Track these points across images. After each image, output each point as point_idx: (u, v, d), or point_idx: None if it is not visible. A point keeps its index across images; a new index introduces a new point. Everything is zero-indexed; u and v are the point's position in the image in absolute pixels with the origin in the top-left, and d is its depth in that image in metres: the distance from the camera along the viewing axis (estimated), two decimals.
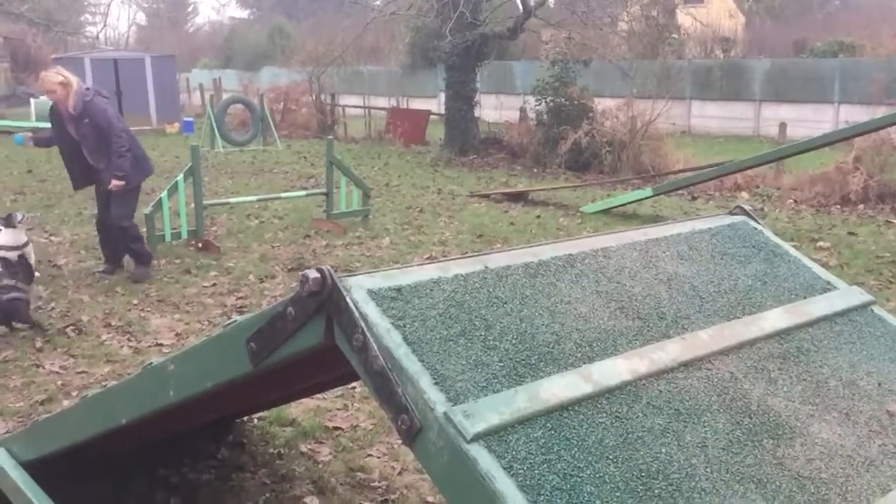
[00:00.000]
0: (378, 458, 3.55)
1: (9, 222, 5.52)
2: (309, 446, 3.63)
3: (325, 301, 1.53)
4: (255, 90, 21.02)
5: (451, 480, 1.36)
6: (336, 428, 3.82)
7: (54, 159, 14.52)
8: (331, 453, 3.58)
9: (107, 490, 3.03)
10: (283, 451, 3.57)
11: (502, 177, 13.01)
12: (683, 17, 24.13)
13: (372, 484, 3.32)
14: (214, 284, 6.32)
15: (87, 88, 6.04)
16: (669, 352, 1.68)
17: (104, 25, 45.37)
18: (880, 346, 1.98)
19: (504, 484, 1.27)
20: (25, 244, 5.53)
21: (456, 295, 1.63)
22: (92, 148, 6.06)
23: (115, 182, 6.04)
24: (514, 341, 1.57)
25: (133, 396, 2.14)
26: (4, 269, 5.21)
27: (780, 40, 25.74)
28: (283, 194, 9.10)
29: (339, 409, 4.03)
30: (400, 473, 3.39)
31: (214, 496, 3.17)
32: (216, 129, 16.31)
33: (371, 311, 1.50)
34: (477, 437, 1.33)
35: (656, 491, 1.36)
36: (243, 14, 52.53)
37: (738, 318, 1.87)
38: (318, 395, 4.02)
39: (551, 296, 1.73)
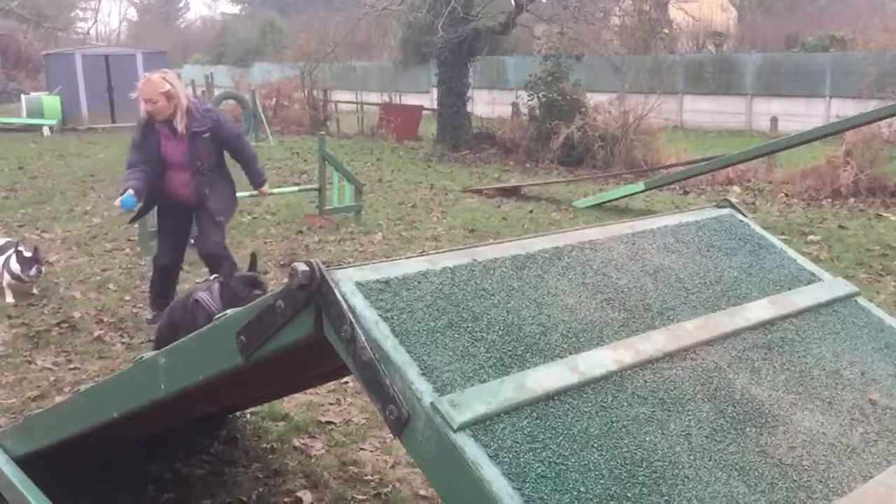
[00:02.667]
0: (371, 451, 3.56)
1: (23, 266, 5.64)
2: (302, 441, 3.65)
3: (314, 294, 1.55)
4: (247, 86, 20.97)
5: (439, 469, 1.38)
6: (329, 422, 3.84)
7: (45, 155, 14.50)
8: (323, 447, 3.60)
9: (99, 485, 3.04)
10: (275, 446, 3.59)
11: (495, 172, 13.02)
12: (675, 12, 24.17)
13: (365, 477, 3.34)
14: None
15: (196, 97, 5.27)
16: (655, 342, 1.70)
17: (95, 21, 45.15)
18: (863, 336, 2.01)
19: (490, 472, 1.29)
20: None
21: (444, 287, 1.65)
22: (206, 169, 4.91)
23: (262, 189, 5.57)
24: (501, 332, 1.59)
25: (124, 390, 2.15)
26: None
27: (771, 34, 25.80)
28: (275, 190, 9.09)
29: (331, 404, 4.04)
30: (392, 467, 3.41)
31: (207, 491, 3.18)
32: None
33: (359, 303, 1.52)
34: (463, 427, 1.35)
35: (640, 478, 1.38)
36: (235, 9, 52.32)
37: (723, 309, 1.90)
38: (311, 390, 4.03)
39: (538, 288, 1.75)
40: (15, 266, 5.64)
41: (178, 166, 4.88)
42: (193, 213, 5.12)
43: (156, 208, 5.31)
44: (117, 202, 4.74)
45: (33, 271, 5.66)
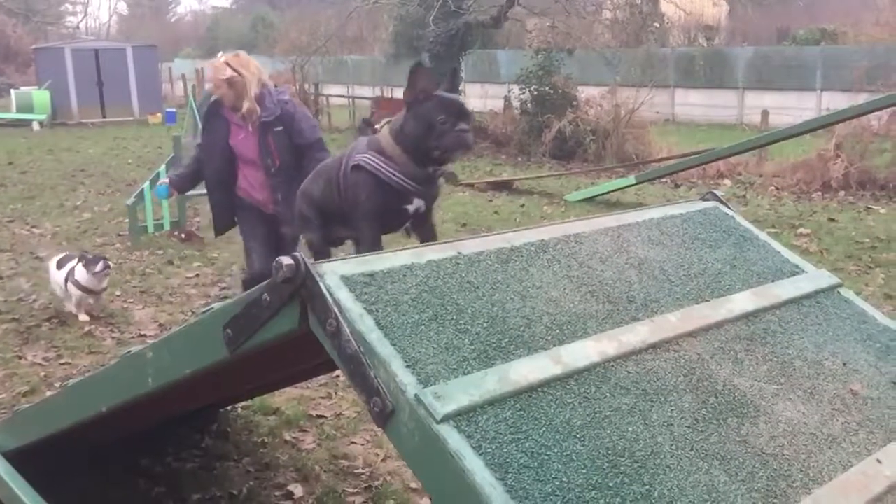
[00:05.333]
0: (362, 445, 3.58)
1: (88, 265, 5.20)
2: (293, 434, 3.66)
3: (298, 287, 1.55)
4: None
5: (423, 460, 1.39)
6: (320, 416, 3.85)
7: (35, 150, 14.44)
8: (314, 441, 3.61)
9: (90, 479, 3.05)
10: (266, 440, 3.60)
11: (487, 165, 13.03)
12: (666, 6, 24.14)
13: (356, 471, 3.36)
14: (198, 275, 6.32)
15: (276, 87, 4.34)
16: (638, 334, 1.71)
17: (85, 15, 45.01)
18: (846, 328, 2.03)
19: (473, 462, 1.31)
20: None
21: (429, 280, 1.66)
22: (279, 169, 4.17)
23: None
24: (485, 325, 1.60)
25: (112, 384, 2.16)
26: None
27: (762, 28, 25.84)
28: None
29: (322, 398, 4.06)
30: (384, 460, 3.43)
31: (198, 485, 3.19)
32: (198, 120, 16.23)
33: (344, 296, 1.53)
34: (447, 418, 1.36)
35: (622, 468, 1.40)
36: (226, 3, 52.14)
37: (707, 301, 1.91)
38: (302, 384, 4.04)
39: (523, 280, 1.77)
40: (81, 273, 5.16)
41: (249, 162, 4.23)
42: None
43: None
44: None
45: (99, 267, 5.17)
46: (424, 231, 2.48)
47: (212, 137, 4.28)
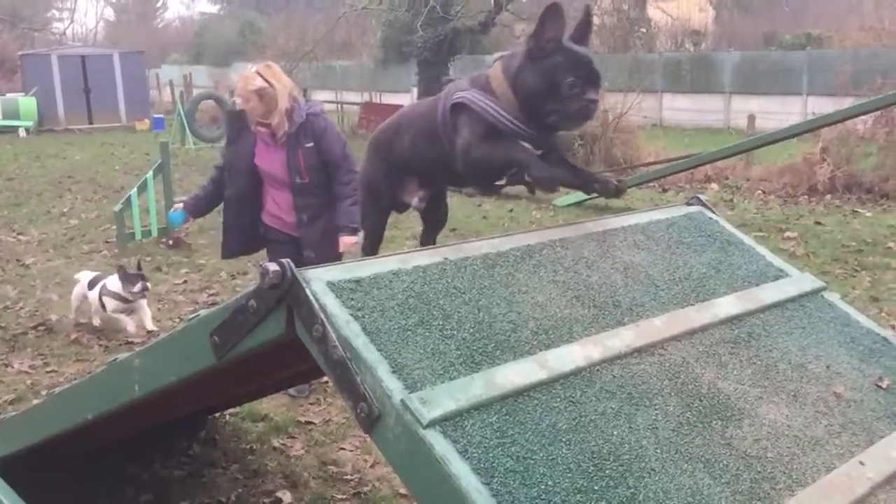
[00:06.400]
0: (350, 451, 3.58)
1: (125, 281, 4.95)
2: (281, 441, 3.65)
3: (285, 293, 1.56)
4: (227, 86, 20.86)
5: (409, 465, 1.39)
6: (308, 422, 3.85)
7: (21, 157, 14.36)
8: (303, 447, 3.61)
9: (77, 487, 3.04)
10: (255, 447, 3.59)
11: None
12: (654, 11, 24.30)
13: (344, 477, 3.36)
14: (185, 282, 6.30)
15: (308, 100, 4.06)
16: (623, 338, 1.72)
17: (71, 21, 44.80)
18: (829, 331, 2.04)
19: (459, 467, 1.31)
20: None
21: (415, 286, 1.67)
22: (306, 187, 3.94)
23: (345, 239, 4.01)
24: (471, 330, 1.61)
25: (99, 392, 2.15)
26: None
27: (749, 33, 26.02)
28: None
29: (311, 404, 4.05)
30: (372, 466, 3.43)
31: (186, 492, 3.18)
32: (186, 126, 16.21)
33: (330, 302, 1.53)
34: (433, 423, 1.36)
35: (607, 471, 1.40)
36: (213, 9, 52.02)
37: (692, 304, 1.93)
38: (291, 390, 4.04)
39: (509, 285, 1.78)
40: (115, 285, 4.93)
41: (276, 181, 3.97)
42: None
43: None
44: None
45: (138, 287, 4.94)
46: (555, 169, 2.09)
47: (236, 155, 4.01)
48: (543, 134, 2.03)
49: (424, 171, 2.28)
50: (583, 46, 1.94)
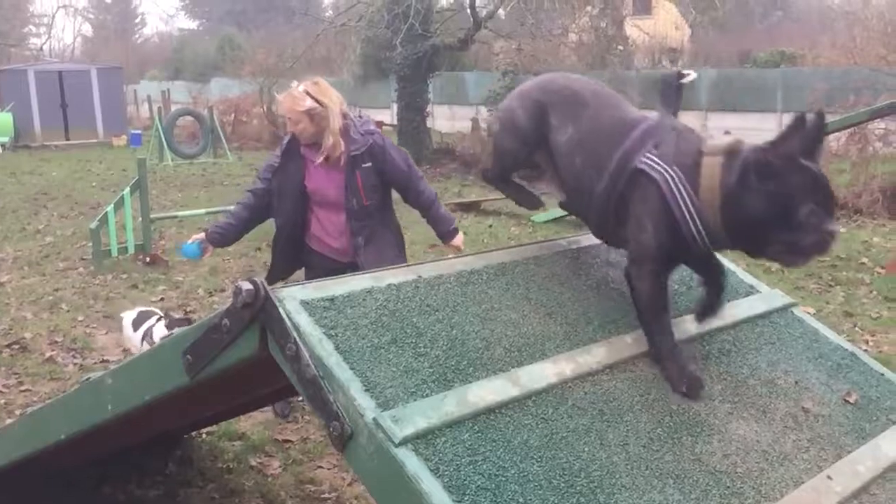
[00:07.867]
0: (328, 469, 3.56)
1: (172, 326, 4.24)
2: (258, 460, 3.63)
3: (258, 312, 1.56)
4: (205, 102, 20.81)
5: (381, 483, 1.40)
6: (286, 441, 3.83)
7: None
8: (281, 466, 3.59)
9: None
10: (232, 466, 3.56)
11: (455, 187, 13.09)
12: (631, 29, 24.58)
13: (322, 496, 3.34)
14: (162, 299, 6.25)
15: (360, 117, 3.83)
16: (595, 355, 1.74)
17: (49, 37, 44.49)
18: (798, 346, 2.08)
19: (430, 485, 1.32)
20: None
21: (388, 304, 1.68)
22: (364, 211, 3.68)
23: (456, 240, 3.95)
24: (444, 348, 1.62)
25: (71, 412, 2.14)
26: None
27: (724, 51, 26.40)
28: (233, 207, 9.01)
29: (289, 422, 4.03)
30: (350, 484, 3.42)
31: None
32: (165, 142, 16.14)
33: (303, 321, 1.54)
34: (405, 441, 1.37)
35: (578, 488, 1.42)
36: (192, 25, 52.00)
37: None
38: (268, 409, 4.02)
39: (482, 303, 1.79)
40: (161, 332, 4.38)
41: (328, 205, 3.70)
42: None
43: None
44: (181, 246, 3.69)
45: None
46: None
47: (285, 179, 3.70)
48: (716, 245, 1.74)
49: (565, 189, 1.95)
50: (815, 163, 1.58)
